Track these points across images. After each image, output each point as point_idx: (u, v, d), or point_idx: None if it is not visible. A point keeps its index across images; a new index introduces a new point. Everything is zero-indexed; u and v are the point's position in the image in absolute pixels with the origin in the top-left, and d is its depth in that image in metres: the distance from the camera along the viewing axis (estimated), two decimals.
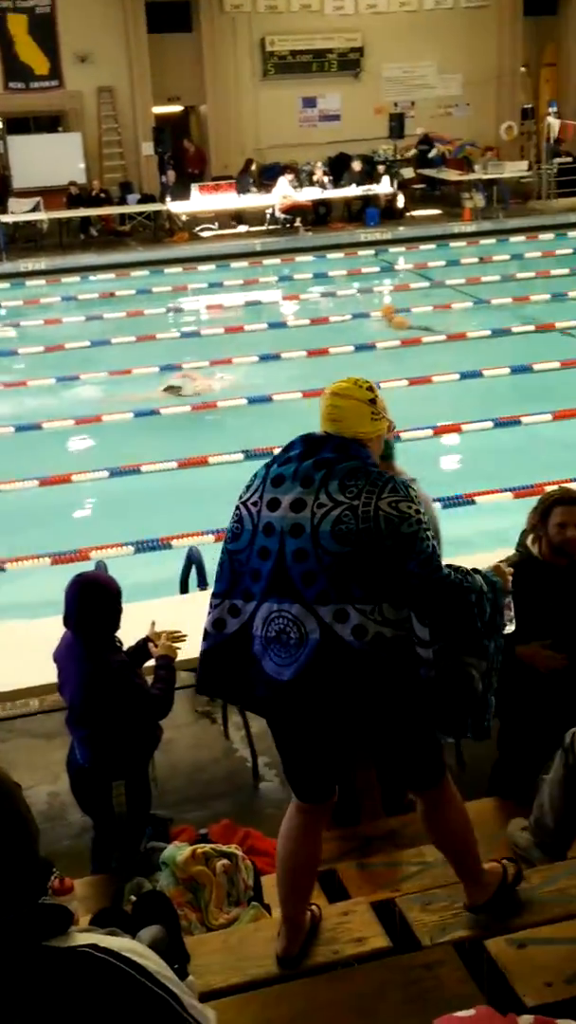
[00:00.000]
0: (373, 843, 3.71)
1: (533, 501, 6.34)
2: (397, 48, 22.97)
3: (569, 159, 21.87)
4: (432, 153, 21.68)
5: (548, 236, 19.32)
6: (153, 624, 4.09)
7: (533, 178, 21.69)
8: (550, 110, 21.80)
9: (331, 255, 18.77)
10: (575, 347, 12.51)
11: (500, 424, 9.87)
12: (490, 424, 9.87)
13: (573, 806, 3.29)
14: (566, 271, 16.49)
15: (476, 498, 8.06)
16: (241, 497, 2.80)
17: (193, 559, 6.12)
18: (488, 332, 13.26)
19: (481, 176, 20.83)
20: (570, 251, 17.91)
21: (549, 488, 6.06)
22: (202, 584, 5.98)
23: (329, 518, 2.59)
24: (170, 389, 11.71)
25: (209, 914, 3.24)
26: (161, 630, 4.03)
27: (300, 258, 18.64)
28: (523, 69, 24.17)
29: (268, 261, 18.55)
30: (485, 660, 2.74)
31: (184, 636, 3.97)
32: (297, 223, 19.65)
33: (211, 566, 6.14)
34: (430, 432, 9.79)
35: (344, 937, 2.98)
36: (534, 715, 3.93)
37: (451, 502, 7.99)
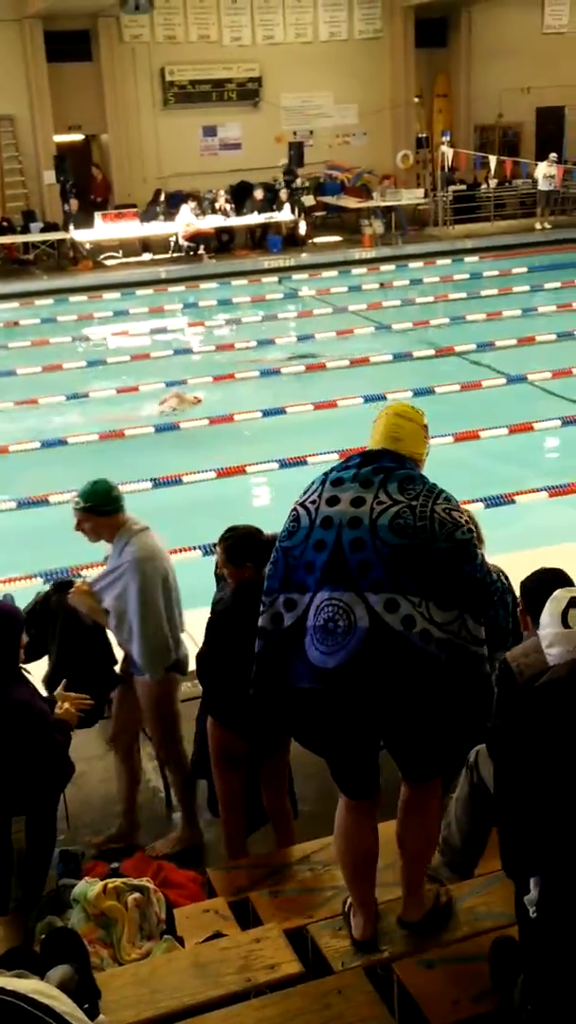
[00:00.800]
0: (286, 869, 3.73)
1: None
2: (294, 78, 23.30)
3: (464, 187, 22.44)
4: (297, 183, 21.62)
5: (445, 261, 19.76)
6: (63, 684, 3.98)
7: (430, 205, 22.17)
8: (444, 139, 22.32)
9: (235, 282, 18.90)
10: (474, 370, 12.79)
11: None
12: None
13: (479, 824, 3.36)
14: (464, 295, 16.90)
15: None
16: (298, 500, 2.96)
17: None
18: (390, 357, 13.49)
19: (379, 203, 21.21)
20: (467, 276, 18.35)
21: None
22: None
23: (388, 513, 2.77)
24: (180, 401, 11.99)
25: (121, 949, 3.22)
26: (68, 693, 3.85)
27: (204, 285, 18.73)
28: (417, 99, 24.71)
29: (173, 288, 18.60)
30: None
31: (90, 703, 3.82)
32: (201, 251, 19.75)
33: None
34: (336, 456, 9.88)
35: (257, 964, 2.99)
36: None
37: None
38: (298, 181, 21.45)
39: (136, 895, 3.34)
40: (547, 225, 21.53)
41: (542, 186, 21.27)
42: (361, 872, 3.08)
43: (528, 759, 2.24)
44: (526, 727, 2.28)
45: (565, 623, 2.40)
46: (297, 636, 2.83)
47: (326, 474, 2.96)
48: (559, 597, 2.48)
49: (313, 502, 2.90)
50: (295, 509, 2.95)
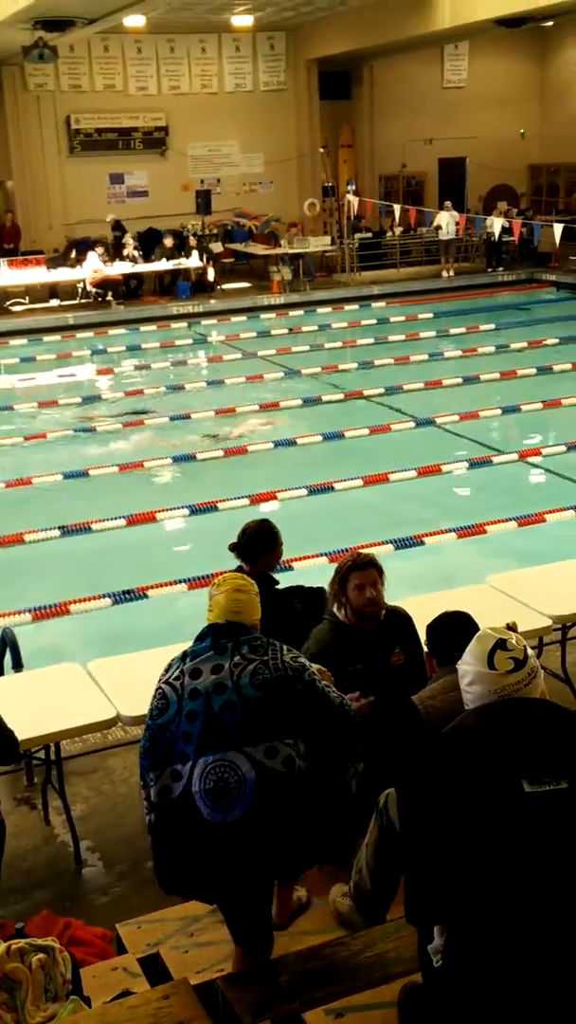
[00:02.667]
0: (196, 922, 3.67)
1: None
2: (201, 128, 23.61)
3: (369, 234, 22.87)
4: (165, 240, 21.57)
5: (353, 307, 20.08)
6: None
7: (336, 252, 22.54)
8: (349, 188, 22.77)
9: (144, 328, 18.91)
10: (382, 414, 12.96)
11: (314, 491, 10.11)
12: (304, 491, 10.09)
13: (389, 868, 3.33)
14: (371, 340, 17.18)
15: (293, 563, 8.17)
16: (161, 679, 3.25)
17: (7, 640, 5.97)
18: (300, 401, 13.60)
19: (287, 250, 21.49)
20: (374, 321, 18.66)
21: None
22: (16, 666, 5.83)
23: (247, 671, 3.13)
24: (209, 436, 12.29)
25: (26, 1013, 3.11)
26: None
27: (113, 331, 18.70)
28: (322, 149, 25.21)
29: (81, 335, 18.53)
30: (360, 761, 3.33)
31: None
32: (109, 297, 19.73)
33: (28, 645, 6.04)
34: (247, 501, 9.93)
35: (166, 1022, 2.92)
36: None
37: None
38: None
39: (40, 956, 3.23)
40: (451, 272, 22.02)
41: (443, 235, 21.77)
42: None
43: (432, 807, 2.24)
44: (431, 775, 2.27)
45: (491, 664, 2.40)
46: (187, 804, 3.09)
47: (184, 653, 3.24)
48: (485, 636, 2.49)
49: (177, 678, 3.19)
50: (160, 688, 3.23)
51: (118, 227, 21.59)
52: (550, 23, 21.85)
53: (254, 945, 3.26)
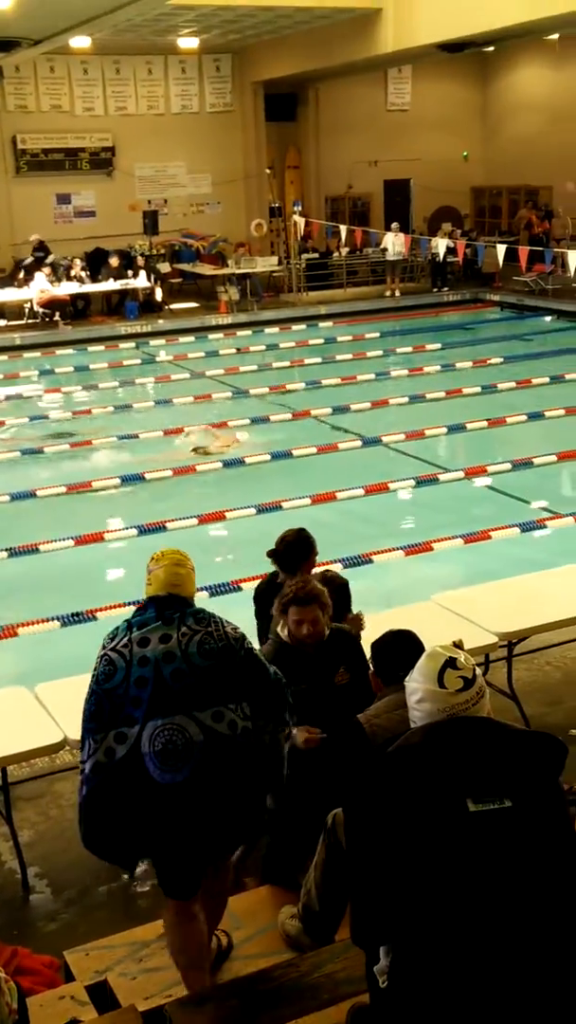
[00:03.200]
0: (144, 948, 3.64)
1: None
2: (148, 149, 23.66)
3: (316, 255, 23.02)
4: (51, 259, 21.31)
5: (300, 327, 20.19)
6: None
7: (284, 272, 22.66)
8: (295, 209, 22.92)
9: (92, 348, 18.86)
10: (330, 433, 13.03)
11: (262, 510, 10.12)
12: (253, 510, 10.10)
13: (338, 888, 3.35)
14: (319, 360, 17.27)
15: (242, 584, 8.18)
16: (105, 647, 3.39)
17: None
18: (248, 420, 13.62)
19: (234, 271, 21.56)
20: (321, 341, 18.77)
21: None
22: None
23: (194, 641, 3.31)
24: (197, 450, 12.40)
25: None
26: None
27: (61, 352, 18.62)
28: (269, 171, 25.36)
29: (28, 355, 18.41)
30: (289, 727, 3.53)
31: None
32: (56, 317, 19.64)
33: None
34: (195, 521, 9.93)
35: None
36: (301, 799, 4.00)
37: (218, 590, 8.10)
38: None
39: None
40: (397, 292, 22.22)
41: (389, 255, 21.96)
42: (193, 962, 3.42)
43: (376, 827, 2.25)
44: (376, 794, 2.28)
45: (441, 683, 2.41)
46: (134, 763, 3.25)
47: (128, 622, 3.41)
48: (435, 655, 2.50)
49: (125, 646, 3.34)
50: (106, 654, 3.37)
51: (41, 248, 21.42)
52: (491, 48, 22.22)
53: (183, 894, 3.40)
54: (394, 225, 22.19)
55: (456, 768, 2.22)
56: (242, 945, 3.53)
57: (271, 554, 4.94)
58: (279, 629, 4.23)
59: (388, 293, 22.28)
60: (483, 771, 2.21)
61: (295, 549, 4.87)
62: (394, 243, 21.58)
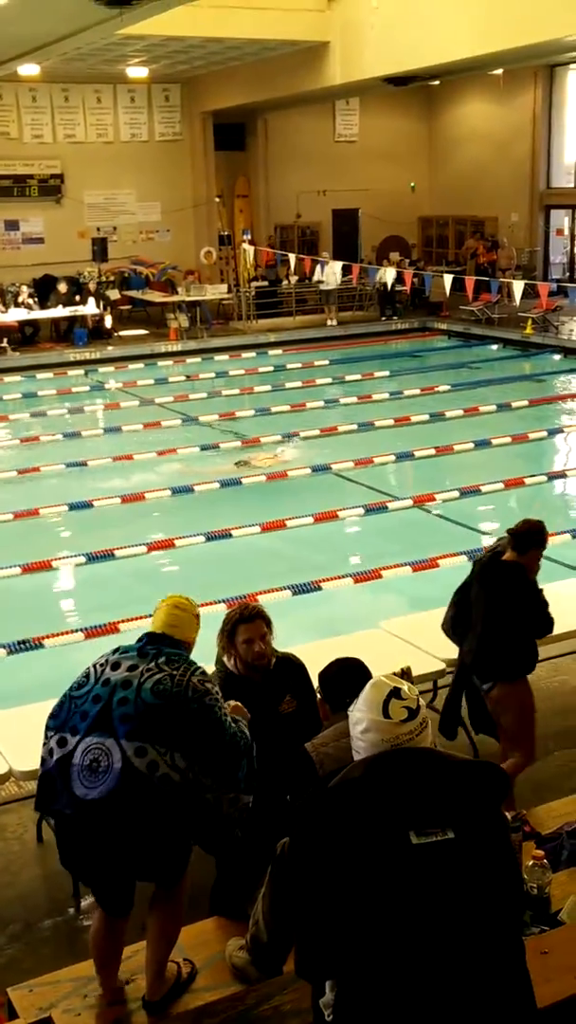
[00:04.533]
0: (90, 983, 3.59)
1: None
2: (97, 176, 23.69)
3: (265, 283, 23.15)
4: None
5: (250, 354, 20.25)
6: None
7: (233, 300, 22.75)
8: (245, 237, 23.06)
9: (40, 375, 18.77)
10: (278, 460, 13.05)
11: (212, 537, 10.10)
12: (202, 538, 10.08)
13: (286, 919, 3.32)
14: (268, 388, 17.33)
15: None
16: (95, 661, 3.62)
17: None
18: (197, 448, 13.61)
19: (184, 298, 21.61)
20: (271, 369, 18.85)
21: (252, 601, 6.26)
22: None
23: (153, 679, 3.45)
24: (240, 463, 12.82)
25: None
26: None
27: (8, 378, 18.49)
28: (218, 199, 25.51)
29: None
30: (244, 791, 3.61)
31: None
32: (4, 343, 19.53)
33: None
34: (144, 548, 9.88)
35: None
36: (249, 829, 3.97)
37: None
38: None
39: None
40: (334, 321, 22.23)
41: (324, 285, 22.06)
42: (106, 962, 3.63)
43: (320, 861, 2.24)
44: (319, 829, 2.27)
45: (386, 713, 2.41)
46: (64, 770, 3.44)
47: (118, 647, 3.64)
48: (380, 684, 2.50)
49: (101, 665, 3.58)
50: (88, 667, 3.61)
51: None
52: (436, 82, 22.58)
53: (109, 907, 3.61)
54: (325, 254, 22.28)
55: (398, 801, 2.22)
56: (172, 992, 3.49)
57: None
58: (225, 659, 4.23)
59: (326, 322, 22.23)
60: (425, 803, 2.21)
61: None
62: (328, 272, 21.66)
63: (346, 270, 20.72)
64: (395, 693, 2.42)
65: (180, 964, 3.67)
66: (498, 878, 2.19)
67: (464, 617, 5.35)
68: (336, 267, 21.22)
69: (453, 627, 5.45)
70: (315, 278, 21.79)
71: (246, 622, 4.16)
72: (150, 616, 7.95)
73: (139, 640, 3.64)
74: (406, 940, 2.13)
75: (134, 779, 3.33)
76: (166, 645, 3.58)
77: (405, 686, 2.46)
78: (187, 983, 3.60)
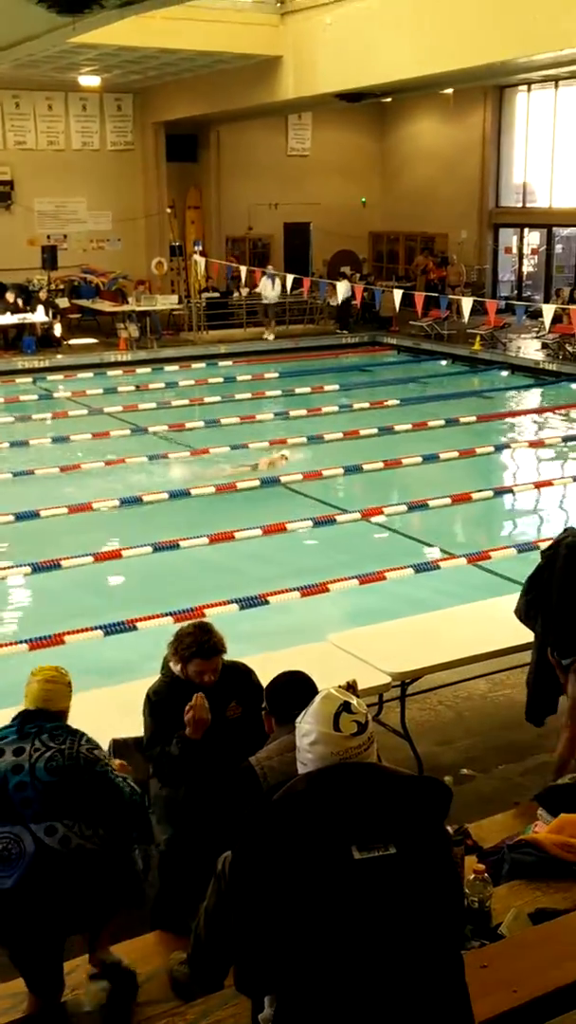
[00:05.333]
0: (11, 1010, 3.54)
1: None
2: (47, 184, 23.58)
3: (216, 294, 23.16)
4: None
5: (200, 365, 20.23)
6: None
7: (184, 311, 22.72)
8: (196, 248, 23.07)
9: None
10: (227, 471, 13.03)
11: (159, 548, 10.06)
12: (150, 549, 10.03)
13: (227, 934, 3.30)
14: (218, 398, 17.32)
15: (138, 624, 8.11)
16: None
17: None
18: (145, 459, 13.55)
19: (135, 308, 21.54)
20: (221, 379, 18.84)
21: (197, 619, 6.23)
22: None
23: (44, 757, 3.51)
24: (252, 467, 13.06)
25: None
26: None
27: None
28: (169, 210, 25.49)
29: None
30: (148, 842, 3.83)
31: None
32: None
33: None
34: (91, 559, 9.81)
35: None
36: (192, 843, 3.96)
37: (112, 629, 8.01)
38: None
39: None
40: (271, 336, 22.17)
41: (264, 299, 22.04)
42: None
43: (261, 875, 2.23)
44: (261, 843, 2.27)
45: (336, 726, 2.42)
46: None
47: None
48: (330, 698, 2.50)
49: None
50: None
51: None
52: (388, 99, 22.80)
53: (43, 994, 3.58)
54: (269, 268, 22.30)
55: (341, 816, 2.22)
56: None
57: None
58: (172, 665, 4.22)
59: (267, 336, 22.18)
60: (368, 818, 2.21)
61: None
62: (266, 285, 21.71)
63: (297, 283, 20.81)
64: (346, 707, 2.43)
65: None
66: (439, 893, 2.20)
67: (538, 601, 5.39)
68: (271, 281, 21.26)
69: (527, 612, 5.50)
70: (258, 288, 21.85)
71: (203, 658, 4.16)
72: (97, 629, 7.94)
73: (14, 720, 3.65)
74: (346, 955, 2.13)
75: (50, 858, 3.41)
76: (44, 720, 3.62)
77: (355, 700, 2.47)
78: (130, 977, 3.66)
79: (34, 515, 11.23)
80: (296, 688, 3.82)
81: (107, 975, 3.70)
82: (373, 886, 2.15)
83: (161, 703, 4.23)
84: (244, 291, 22.84)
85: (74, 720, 4.02)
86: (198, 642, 4.18)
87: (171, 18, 16.24)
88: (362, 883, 2.15)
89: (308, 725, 2.46)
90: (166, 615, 8.12)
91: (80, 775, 3.52)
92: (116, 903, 3.71)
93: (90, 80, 21.41)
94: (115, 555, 10.02)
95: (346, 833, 2.18)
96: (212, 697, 4.18)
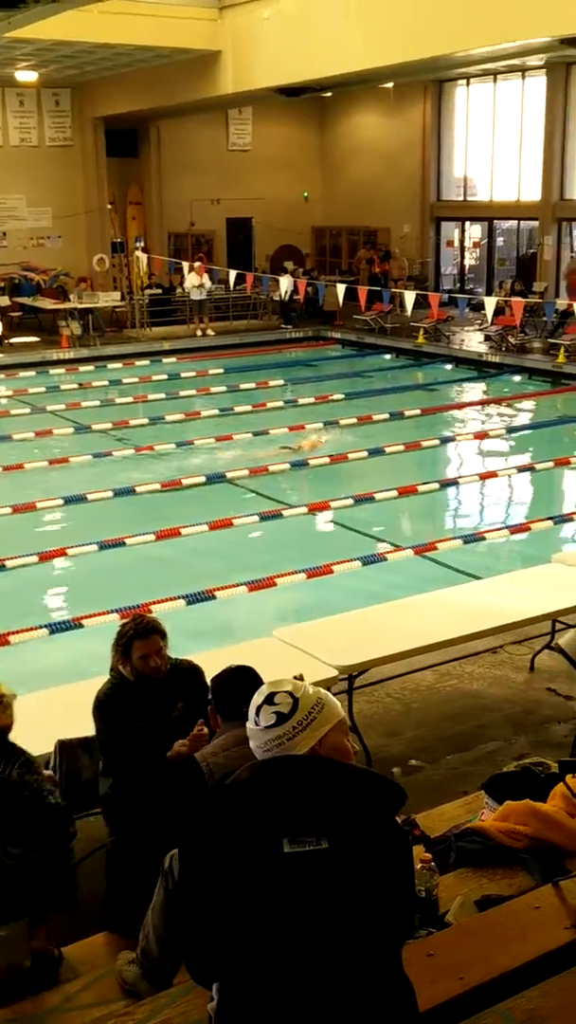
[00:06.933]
0: None
1: None
2: None
3: (159, 291, 23.04)
4: None
5: (144, 363, 20.11)
6: None
7: (126, 308, 22.57)
8: (137, 245, 22.92)
9: None
10: (173, 468, 12.99)
11: (105, 546, 9.99)
12: (95, 547, 9.95)
13: (176, 932, 3.29)
14: (162, 396, 17.23)
15: (84, 621, 8.05)
16: None
17: None
18: (90, 457, 13.45)
19: (76, 305, 21.35)
20: (165, 377, 18.74)
21: (146, 610, 6.20)
22: None
23: None
24: (286, 448, 13.52)
25: None
26: None
27: None
28: (110, 206, 25.30)
29: None
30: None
31: None
32: None
33: None
34: (35, 559, 9.71)
35: None
36: (139, 843, 3.94)
37: (58, 627, 7.94)
38: None
39: None
40: (202, 332, 22.02)
41: (194, 295, 21.92)
42: None
43: (202, 866, 2.22)
44: (201, 833, 2.26)
45: (256, 719, 2.40)
46: None
47: None
48: (260, 691, 2.49)
49: None
50: None
51: None
52: (328, 94, 22.83)
53: None
54: (197, 265, 22.18)
55: (275, 808, 2.20)
56: (78, 995, 3.43)
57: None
58: (121, 668, 4.20)
59: (198, 333, 21.99)
60: (303, 811, 2.20)
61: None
62: (195, 284, 21.56)
63: (240, 279, 20.74)
64: (269, 699, 2.41)
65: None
66: (379, 887, 2.19)
67: None
68: (193, 278, 21.17)
69: None
70: (186, 285, 21.73)
71: (141, 638, 4.14)
72: (42, 628, 7.84)
73: None
74: (278, 946, 2.13)
75: None
76: None
77: (283, 690, 2.43)
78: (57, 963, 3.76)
79: None
80: (241, 683, 3.81)
81: (35, 962, 3.74)
82: (303, 879, 2.13)
83: (110, 705, 4.20)
84: (188, 287, 22.72)
85: (21, 723, 3.98)
86: (134, 626, 4.20)
87: (108, 12, 16.10)
88: (292, 876, 2.13)
89: (248, 722, 2.46)
90: (112, 612, 8.06)
91: (7, 799, 3.68)
92: (46, 907, 3.79)
93: (27, 75, 21.16)
94: (60, 553, 9.92)
95: (279, 825, 2.17)
96: (159, 699, 4.17)
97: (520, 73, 23.12)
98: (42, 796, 3.78)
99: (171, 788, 3.72)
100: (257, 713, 2.39)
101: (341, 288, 18.37)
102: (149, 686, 4.17)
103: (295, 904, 2.13)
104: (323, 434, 14.30)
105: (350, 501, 11.51)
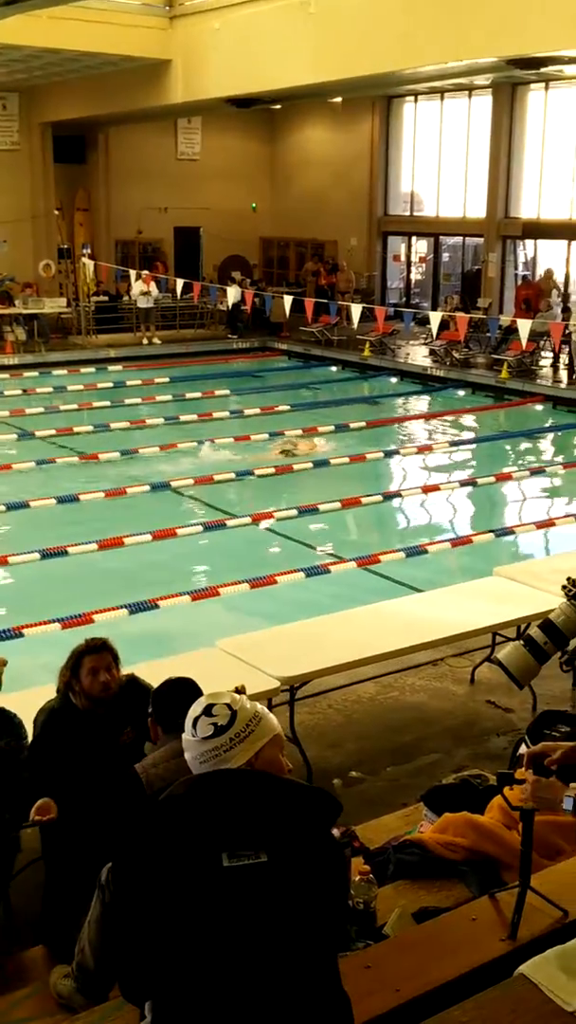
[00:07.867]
0: None
1: (84, 631, 6.42)
2: None
3: (106, 298, 22.92)
4: None
5: (89, 370, 19.99)
6: None
7: (72, 314, 22.42)
8: (84, 251, 22.79)
9: None
10: (117, 477, 12.92)
11: (47, 555, 9.89)
12: (37, 555, 9.86)
13: (112, 945, 3.26)
14: (107, 403, 17.13)
15: (24, 631, 7.96)
16: None
17: None
18: (33, 464, 13.32)
19: (21, 311, 21.16)
20: (111, 384, 18.64)
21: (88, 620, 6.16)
22: None
23: None
24: (284, 452, 13.68)
25: None
26: None
27: None
28: (57, 212, 25.13)
29: None
30: None
31: None
32: None
33: None
34: None
35: None
36: (76, 855, 3.89)
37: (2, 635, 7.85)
38: None
39: None
40: (149, 341, 22.04)
41: (141, 304, 21.90)
42: None
43: (137, 880, 2.20)
44: (137, 847, 2.23)
45: (193, 730, 2.39)
46: None
47: None
48: (198, 702, 2.48)
49: None
50: None
51: None
52: (278, 106, 22.92)
53: None
54: (145, 273, 22.12)
55: (213, 822, 2.19)
56: (11, 1010, 3.38)
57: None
58: (70, 695, 4.16)
59: (144, 341, 21.98)
60: (241, 825, 2.19)
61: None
62: (142, 291, 21.51)
63: (187, 288, 20.69)
64: (207, 710, 2.40)
65: None
66: (316, 900, 2.19)
67: None
68: (140, 286, 21.13)
69: None
70: (133, 294, 21.68)
71: (91, 653, 4.12)
72: None
73: None
74: (214, 962, 2.11)
75: None
76: None
77: (221, 701, 2.42)
78: None
79: None
80: (181, 694, 3.79)
81: None
82: (243, 893, 2.12)
83: (51, 722, 4.17)
84: (135, 295, 22.63)
85: None
86: (85, 644, 4.18)
87: (57, 17, 16.03)
88: (231, 890, 2.12)
89: (185, 733, 2.44)
90: (54, 621, 8.00)
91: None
92: None
93: None
94: (1, 562, 9.81)
95: (217, 839, 2.15)
96: (107, 724, 4.13)
97: (467, 92, 23.41)
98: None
99: (108, 800, 3.69)
100: (194, 724, 2.37)
101: (288, 299, 18.44)
102: (94, 720, 4.12)
103: (233, 918, 2.12)
104: (317, 440, 14.53)
105: (294, 512, 11.53)
